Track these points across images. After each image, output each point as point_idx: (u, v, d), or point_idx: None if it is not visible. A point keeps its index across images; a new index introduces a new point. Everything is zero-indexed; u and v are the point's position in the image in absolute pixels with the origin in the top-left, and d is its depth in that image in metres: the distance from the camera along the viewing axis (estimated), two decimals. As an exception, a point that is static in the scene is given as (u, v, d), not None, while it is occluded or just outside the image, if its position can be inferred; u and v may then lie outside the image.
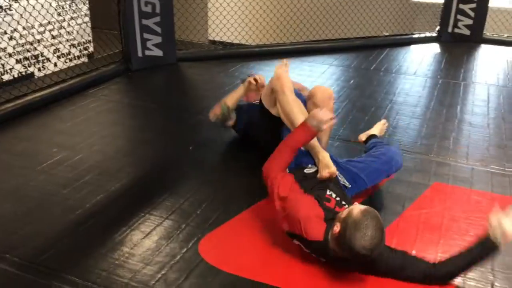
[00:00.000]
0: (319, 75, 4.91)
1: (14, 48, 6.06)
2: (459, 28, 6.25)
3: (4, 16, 5.65)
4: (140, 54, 4.88)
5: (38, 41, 6.39)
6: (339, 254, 2.01)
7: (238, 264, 2.20)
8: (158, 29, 4.91)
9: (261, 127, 2.97)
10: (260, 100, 2.88)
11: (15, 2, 5.91)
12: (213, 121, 3.25)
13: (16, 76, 6.24)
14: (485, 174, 3.05)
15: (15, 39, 5.99)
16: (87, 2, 7.29)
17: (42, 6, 5.40)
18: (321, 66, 5.21)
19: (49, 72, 5.75)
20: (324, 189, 2.29)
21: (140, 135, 3.58)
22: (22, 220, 2.49)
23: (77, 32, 7.06)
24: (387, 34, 6.57)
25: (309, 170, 2.47)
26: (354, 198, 2.53)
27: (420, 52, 5.88)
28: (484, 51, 5.98)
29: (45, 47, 6.46)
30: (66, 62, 7.10)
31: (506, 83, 4.80)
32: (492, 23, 6.39)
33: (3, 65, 5.82)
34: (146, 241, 2.34)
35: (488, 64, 5.41)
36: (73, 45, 7.26)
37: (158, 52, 4.98)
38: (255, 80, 3.12)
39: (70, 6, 6.94)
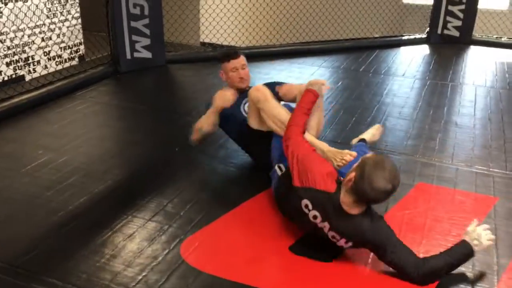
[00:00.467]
0: (309, 77, 4.91)
1: (4, 50, 6.06)
2: (448, 29, 6.28)
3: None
4: (128, 56, 4.88)
5: (28, 44, 6.39)
6: (353, 202, 2.04)
7: (219, 266, 2.20)
8: (147, 31, 4.91)
9: (253, 140, 2.95)
10: (248, 126, 2.86)
11: (5, 6, 5.91)
12: (194, 146, 3.13)
13: (6, 79, 6.25)
14: (469, 175, 3.06)
15: (4, 42, 5.99)
16: (77, 4, 7.29)
17: (29, 8, 5.37)
18: (310, 68, 5.22)
19: (39, 75, 5.71)
20: None
21: (128, 137, 3.57)
22: (4, 222, 2.48)
23: (68, 34, 7.05)
24: (377, 36, 6.60)
25: None
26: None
27: (409, 53, 5.90)
28: (473, 52, 6.01)
29: (35, 50, 6.46)
30: (57, 65, 7.10)
31: (493, 84, 4.83)
32: (481, 25, 6.42)
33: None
34: (128, 243, 2.34)
35: (477, 66, 5.44)
36: (64, 48, 7.25)
37: (147, 54, 4.98)
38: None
39: (60, 9, 6.94)
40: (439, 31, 6.30)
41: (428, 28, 6.39)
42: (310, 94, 2.53)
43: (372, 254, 2.25)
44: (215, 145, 3.34)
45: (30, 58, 6.59)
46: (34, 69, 6.58)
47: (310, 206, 2.16)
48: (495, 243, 2.38)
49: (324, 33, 6.43)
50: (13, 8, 5.33)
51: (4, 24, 5.46)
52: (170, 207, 2.64)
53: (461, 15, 6.17)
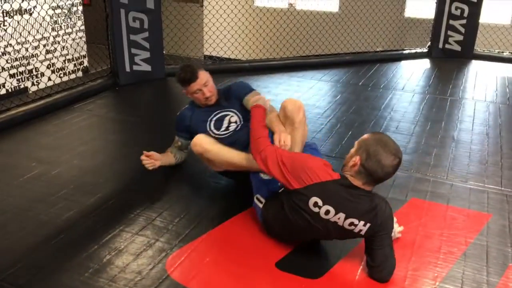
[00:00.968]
0: (307, 90, 4.92)
1: (8, 62, 6.12)
2: (450, 44, 6.27)
3: (1, 31, 5.73)
4: (128, 69, 4.90)
5: (33, 56, 6.46)
6: (362, 185, 2.09)
7: (204, 281, 2.17)
8: (147, 44, 4.94)
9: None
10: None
11: (10, 18, 5.99)
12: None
13: (10, 90, 6.30)
14: (464, 190, 3.03)
15: (9, 54, 6.06)
16: (82, 17, 7.37)
17: (36, 20, 5.44)
18: (309, 81, 5.22)
19: (43, 86, 5.75)
20: None
21: (121, 150, 3.57)
22: (-9, 235, 2.48)
23: (72, 47, 7.12)
24: (378, 50, 6.60)
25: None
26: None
27: (410, 67, 5.89)
28: (475, 67, 5.99)
29: (40, 62, 6.53)
30: (60, 77, 7.16)
31: (493, 99, 4.79)
32: (483, 39, 6.41)
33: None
34: (113, 257, 2.32)
35: (477, 80, 5.41)
36: (68, 60, 7.33)
37: (146, 67, 5.01)
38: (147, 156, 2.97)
39: (65, 22, 7.02)
40: (440, 46, 6.29)
41: (430, 42, 6.39)
42: (260, 109, 2.58)
43: (359, 270, 2.23)
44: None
45: (34, 70, 6.67)
46: (37, 81, 6.66)
47: (320, 202, 2.11)
48: (486, 260, 2.35)
49: (325, 47, 6.45)
50: (21, 20, 5.38)
51: (10, 35, 5.53)
52: (158, 221, 2.63)
53: (462, 29, 6.16)
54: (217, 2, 5.94)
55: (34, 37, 6.40)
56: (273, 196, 2.41)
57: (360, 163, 2.05)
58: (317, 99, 4.67)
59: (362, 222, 2.10)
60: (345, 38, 6.66)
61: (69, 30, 7.11)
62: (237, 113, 2.95)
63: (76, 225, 2.59)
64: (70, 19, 7.09)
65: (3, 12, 5.86)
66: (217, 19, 5.89)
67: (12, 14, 5.97)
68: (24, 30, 5.68)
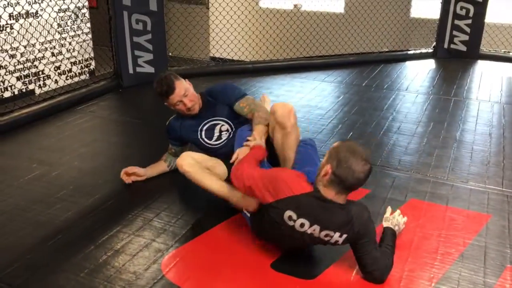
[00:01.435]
0: (309, 91, 4.91)
1: (15, 66, 6.18)
2: (455, 44, 6.22)
3: (7, 34, 5.78)
4: (131, 71, 4.93)
5: (39, 59, 6.51)
6: (335, 194, 2.06)
7: (199, 282, 2.18)
8: (150, 46, 4.96)
9: None
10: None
11: (16, 22, 6.04)
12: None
13: (16, 93, 6.35)
14: (464, 191, 3.00)
15: (15, 57, 6.11)
16: (88, 20, 7.42)
17: (44, 24, 5.48)
18: (312, 82, 5.21)
19: (49, 89, 5.79)
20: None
21: (122, 152, 3.59)
22: (-10, 235, 2.50)
23: (79, 49, 7.17)
24: (385, 50, 6.56)
25: None
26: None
27: (414, 68, 5.86)
28: (480, 67, 5.94)
29: (45, 65, 6.58)
30: (67, 79, 7.21)
31: (498, 99, 4.75)
32: (489, 39, 6.35)
33: (3, 82, 5.92)
34: (110, 258, 2.33)
35: (482, 80, 5.37)
36: (74, 63, 7.38)
37: (149, 69, 5.03)
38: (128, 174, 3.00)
39: (71, 24, 7.07)
40: (445, 46, 6.25)
41: (435, 43, 6.35)
42: (259, 151, 2.51)
43: (355, 271, 2.22)
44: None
45: (40, 73, 6.72)
46: (44, 84, 6.71)
47: (294, 216, 2.10)
48: (484, 261, 2.33)
49: (329, 48, 6.43)
50: (28, 23, 5.42)
51: (15, 38, 5.58)
52: (156, 221, 2.63)
53: (468, 29, 6.11)
54: (220, 4, 5.95)
55: (43, 38, 6.45)
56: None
57: (331, 171, 2.01)
58: (319, 100, 4.66)
59: (337, 234, 2.09)
60: (349, 39, 6.64)
61: (76, 32, 7.16)
62: (227, 121, 2.88)
63: (74, 226, 2.60)
64: (77, 21, 7.14)
65: (10, 16, 5.91)
66: (221, 21, 5.91)
67: (18, 18, 6.02)
68: (35, 32, 5.71)
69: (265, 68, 5.69)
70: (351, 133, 3.86)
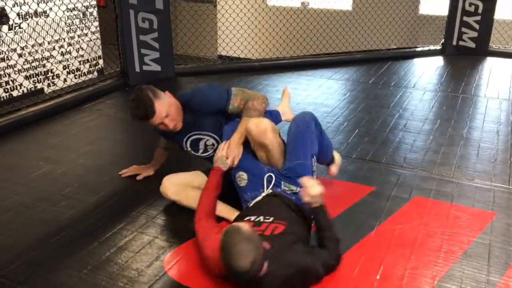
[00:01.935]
0: (316, 89, 4.89)
1: (23, 65, 6.23)
2: (464, 40, 6.17)
3: (15, 34, 5.82)
4: (137, 69, 4.95)
5: (47, 58, 6.55)
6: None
7: (200, 279, 2.18)
8: (156, 45, 4.97)
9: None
10: None
11: (24, 21, 6.09)
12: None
13: (25, 91, 6.41)
14: (469, 189, 2.97)
15: (24, 56, 6.16)
16: (96, 19, 7.46)
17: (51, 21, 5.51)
18: (318, 80, 5.19)
19: (58, 88, 5.82)
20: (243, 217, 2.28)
21: (127, 149, 3.61)
22: (-5, 232, 2.53)
23: (87, 48, 7.21)
24: (393, 47, 6.51)
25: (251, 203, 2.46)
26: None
27: (422, 65, 5.82)
28: (489, 64, 5.88)
29: (54, 64, 6.62)
30: (76, 78, 7.26)
31: (507, 96, 4.70)
32: (498, 36, 6.28)
33: (12, 81, 5.97)
34: (112, 254, 2.35)
35: (491, 77, 5.31)
36: (83, 62, 7.42)
37: (156, 67, 5.04)
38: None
39: (79, 23, 7.11)
40: (454, 43, 6.19)
41: (443, 40, 6.30)
42: (215, 173, 2.51)
43: (357, 268, 2.21)
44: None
45: (49, 72, 6.77)
46: (53, 82, 6.75)
47: None
48: (488, 259, 2.31)
49: (335, 45, 6.40)
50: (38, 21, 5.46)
51: (25, 38, 5.62)
52: (159, 218, 2.65)
53: (476, 26, 6.06)
54: (227, 2, 5.94)
55: (51, 38, 6.49)
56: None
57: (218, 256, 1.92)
58: (325, 97, 4.64)
59: None
60: (356, 36, 6.61)
61: (85, 31, 7.20)
62: (212, 135, 2.72)
63: (78, 223, 2.62)
64: (85, 20, 7.17)
65: (19, 15, 5.96)
66: (227, 19, 5.91)
67: (26, 17, 6.07)
68: (43, 31, 5.75)
69: (271, 66, 5.69)
70: (357, 131, 3.84)
